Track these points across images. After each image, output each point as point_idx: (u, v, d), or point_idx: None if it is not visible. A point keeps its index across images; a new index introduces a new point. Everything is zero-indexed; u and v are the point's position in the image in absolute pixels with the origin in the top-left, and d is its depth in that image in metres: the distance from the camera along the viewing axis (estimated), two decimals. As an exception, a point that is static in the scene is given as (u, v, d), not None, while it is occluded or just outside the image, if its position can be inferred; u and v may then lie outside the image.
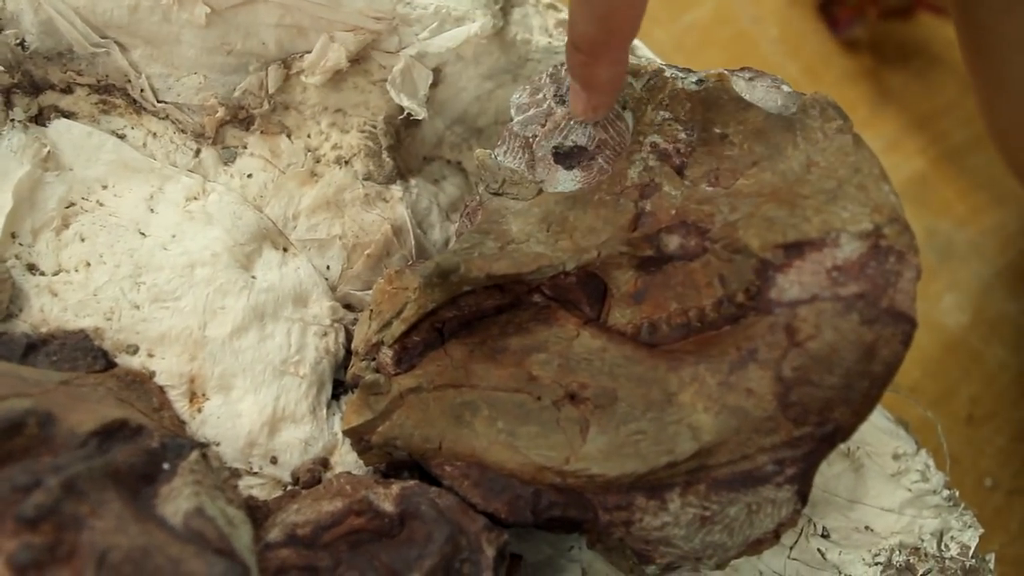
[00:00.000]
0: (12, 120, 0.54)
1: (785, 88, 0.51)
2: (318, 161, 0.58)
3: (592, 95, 0.50)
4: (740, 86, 0.51)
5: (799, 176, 0.48)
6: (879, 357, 0.44)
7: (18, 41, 0.53)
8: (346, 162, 0.58)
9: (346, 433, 0.51)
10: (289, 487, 0.52)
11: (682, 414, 0.46)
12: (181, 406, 0.51)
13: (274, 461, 0.52)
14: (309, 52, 0.56)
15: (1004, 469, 0.76)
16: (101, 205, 0.54)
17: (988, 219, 0.88)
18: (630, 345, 0.49)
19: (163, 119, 0.57)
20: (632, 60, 0.52)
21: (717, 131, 0.50)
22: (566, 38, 0.50)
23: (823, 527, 0.57)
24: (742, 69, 0.52)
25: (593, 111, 0.51)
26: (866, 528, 0.57)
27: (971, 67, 0.69)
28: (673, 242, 0.49)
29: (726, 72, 0.52)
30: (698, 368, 0.47)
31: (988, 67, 0.67)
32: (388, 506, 0.47)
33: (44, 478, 0.40)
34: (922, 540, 0.57)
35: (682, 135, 0.51)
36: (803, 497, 0.47)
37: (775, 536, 0.48)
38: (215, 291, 0.53)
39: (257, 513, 0.48)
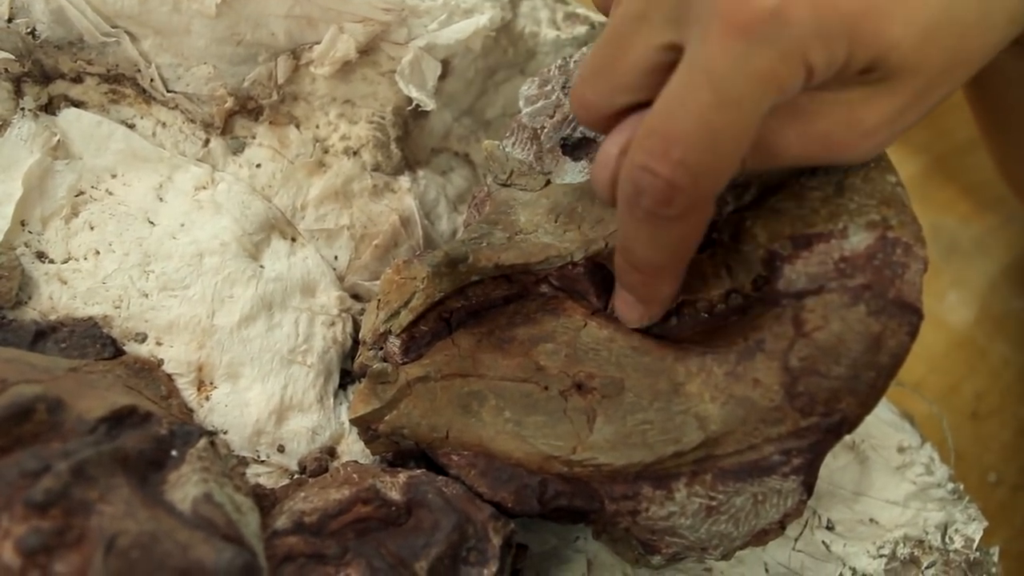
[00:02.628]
0: (22, 109, 0.54)
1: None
2: (326, 152, 0.58)
3: (650, 307, 0.47)
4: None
5: (806, 168, 0.48)
6: (886, 348, 0.44)
7: (29, 30, 0.53)
8: (354, 153, 0.59)
9: (353, 422, 0.51)
10: (296, 476, 0.52)
11: (689, 404, 0.46)
12: (189, 394, 0.52)
13: (281, 450, 0.52)
14: (318, 43, 0.57)
15: (1009, 465, 0.76)
16: (110, 194, 0.54)
17: (993, 216, 0.88)
18: (637, 336, 0.49)
19: (172, 109, 0.57)
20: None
21: (725, 123, 0.50)
22: (616, 256, 0.46)
23: (828, 519, 0.57)
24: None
25: (649, 319, 0.48)
26: (871, 520, 0.57)
27: (984, 122, 0.70)
28: (680, 233, 0.49)
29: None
30: (705, 358, 0.47)
31: (1003, 122, 0.67)
32: (395, 494, 0.47)
33: (53, 463, 0.40)
34: (926, 533, 0.57)
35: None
36: (809, 488, 0.47)
37: (780, 527, 0.48)
38: (223, 280, 0.53)
39: (264, 501, 0.48)
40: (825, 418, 0.45)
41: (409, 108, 0.59)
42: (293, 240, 0.57)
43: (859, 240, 0.45)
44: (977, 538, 0.57)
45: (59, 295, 0.51)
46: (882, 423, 0.61)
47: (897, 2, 0.38)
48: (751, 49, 0.36)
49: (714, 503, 0.47)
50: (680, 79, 0.38)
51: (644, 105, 0.42)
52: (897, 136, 0.43)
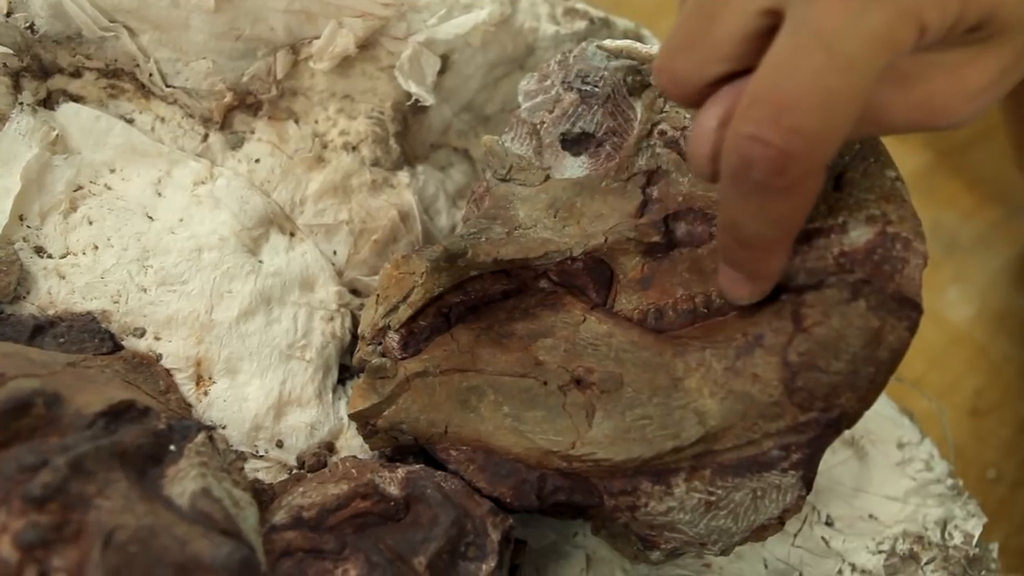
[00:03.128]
0: (21, 103, 0.54)
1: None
2: (325, 147, 0.58)
3: (760, 283, 0.45)
4: (747, 74, 0.51)
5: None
6: (885, 343, 0.44)
7: (27, 24, 0.53)
8: (353, 148, 0.59)
9: (352, 417, 0.51)
10: (295, 471, 0.52)
11: (688, 399, 0.46)
12: (187, 389, 0.52)
13: (280, 445, 0.52)
14: (317, 38, 0.57)
15: (1008, 461, 0.76)
16: (109, 189, 0.54)
17: (994, 212, 0.88)
18: (636, 330, 0.49)
19: (171, 104, 0.57)
20: (641, 48, 0.52)
21: (724, 118, 0.50)
22: (720, 234, 0.44)
23: (827, 515, 0.57)
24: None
25: (760, 295, 0.46)
26: (870, 516, 0.57)
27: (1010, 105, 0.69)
28: (680, 228, 0.49)
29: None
30: (704, 353, 0.47)
31: None
32: (394, 489, 0.47)
33: (51, 458, 0.40)
34: (926, 528, 0.57)
35: (689, 122, 0.51)
36: (808, 483, 0.47)
37: (780, 522, 0.48)
38: (222, 275, 0.53)
39: (263, 496, 0.48)
40: (824, 413, 0.45)
41: (408, 103, 0.59)
42: (292, 235, 0.57)
43: (858, 235, 0.45)
44: (976, 534, 0.57)
45: (57, 290, 0.51)
46: (882, 419, 0.61)
47: None
48: (866, 7, 0.35)
49: (713, 498, 0.47)
50: (787, 42, 0.37)
51: (736, 76, 0.40)
52: (997, 99, 0.41)
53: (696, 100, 0.41)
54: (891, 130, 0.42)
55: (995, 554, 0.57)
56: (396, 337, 0.50)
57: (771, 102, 0.37)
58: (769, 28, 0.38)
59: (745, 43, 0.39)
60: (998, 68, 0.40)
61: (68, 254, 0.52)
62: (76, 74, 0.56)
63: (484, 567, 0.46)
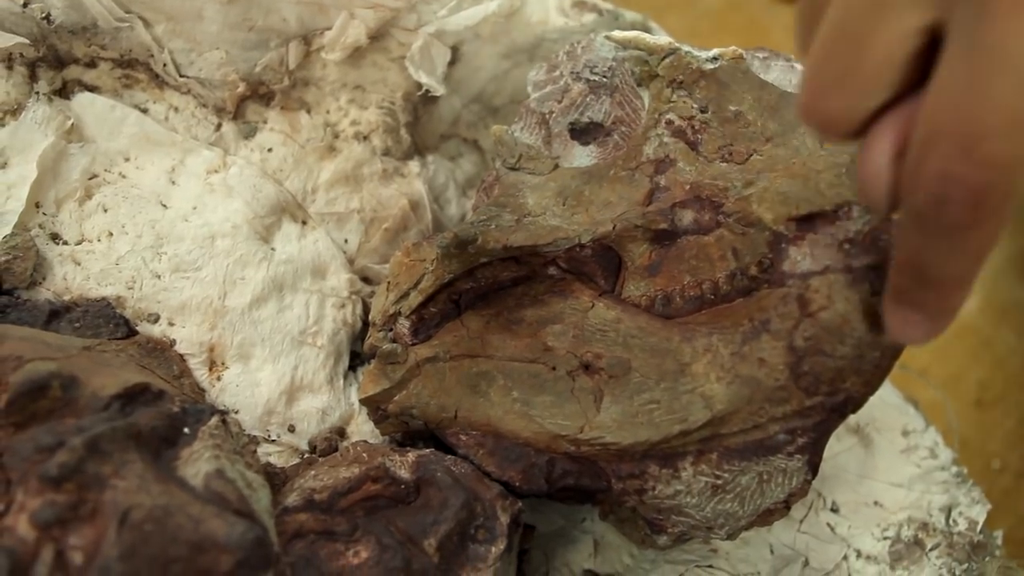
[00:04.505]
0: (37, 93, 0.54)
1: (799, 67, 0.52)
2: (337, 136, 0.59)
3: (944, 321, 0.40)
4: (755, 65, 0.52)
5: (812, 151, 0.48)
6: (890, 328, 0.45)
7: (44, 15, 0.54)
8: (364, 138, 0.59)
9: (363, 402, 0.52)
10: (306, 455, 0.52)
11: (695, 384, 0.47)
12: (201, 374, 0.52)
13: (292, 429, 0.53)
14: (329, 29, 0.57)
15: (1012, 452, 0.76)
16: (123, 177, 0.55)
17: (999, 206, 0.88)
18: (644, 316, 0.49)
19: (185, 94, 0.57)
20: (649, 39, 0.53)
21: (732, 108, 0.51)
22: (899, 276, 0.40)
23: (833, 501, 0.57)
24: (757, 48, 0.53)
25: (939, 334, 0.41)
26: (875, 503, 0.58)
27: None
28: (687, 216, 0.50)
29: (741, 51, 0.52)
30: (711, 339, 0.47)
31: None
32: (404, 473, 0.47)
33: (68, 439, 0.40)
34: (930, 515, 0.57)
35: (697, 112, 0.51)
36: (814, 467, 0.47)
37: (785, 506, 0.48)
38: (235, 262, 0.54)
39: (275, 479, 0.48)
40: (830, 397, 0.46)
41: (419, 94, 0.59)
42: (304, 223, 0.57)
43: (864, 221, 0.45)
44: (981, 520, 0.57)
45: (73, 276, 0.52)
46: (887, 407, 0.61)
47: None
48: None
49: (720, 481, 0.47)
50: (963, 64, 0.33)
51: (894, 102, 0.36)
52: None
53: (855, 136, 0.38)
54: None
55: (999, 541, 0.57)
56: (407, 323, 0.51)
57: (959, 134, 0.33)
58: (929, 46, 0.35)
59: (906, 67, 0.35)
60: None
61: (83, 241, 0.53)
62: (91, 64, 0.56)
63: (493, 549, 0.46)
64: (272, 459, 0.52)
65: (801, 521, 0.57)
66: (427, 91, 0.58)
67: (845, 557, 0.56)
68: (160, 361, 0.51)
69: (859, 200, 0.45)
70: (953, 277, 0.38)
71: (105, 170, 0.55)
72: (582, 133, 0.53)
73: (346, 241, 0.58)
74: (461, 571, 0.46)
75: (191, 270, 0.53)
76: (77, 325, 0.51)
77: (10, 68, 0.54)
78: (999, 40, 0.31)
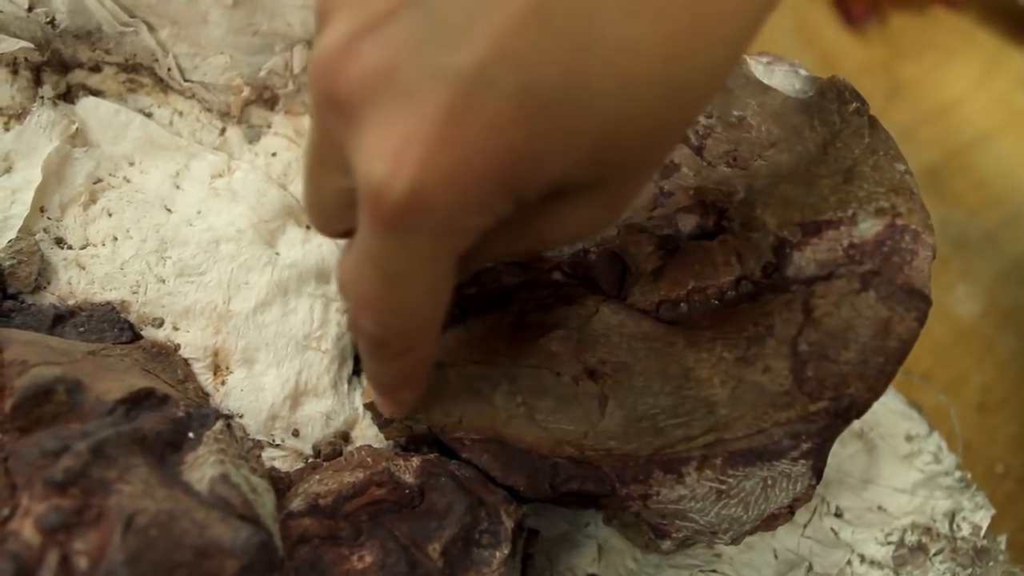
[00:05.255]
0: (41, 97, 0.54)
1: (803, 72, 0.52)
2: (341, 141, 0.59)
3: (397, 408, 0.50)
4: (759, 70, 0.52)
5: (816, 156, 0.48)
6: (894, 333, 0.45)
7: (48, 19, 0.54)
8: (368, 142, 0.59)
9: (367, 407, 0.52)
10: (311, 460, 0.52)
11: (699, 389, 0.47)
12: (205, 379, 0.52)
13: (296, 434, 0.53)
14: (333, 33, 0.57)
15: (1016, 456, 0.76)
16: (128, 181, 0.55)
17: (1001, 210, 0.88)
18: (648, 322, 0.49)
19: (189, 98, 0.58)
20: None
21: (735, 113, 0.51)
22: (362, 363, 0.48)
23: (836, 506, 0.57)
24: (760, 54, 0.53)
25: (396, 415, 0.51)
26: (879, 508, 0.58)
27: None
28: (691, 221, 0.50)
29: (744, 56, 0.52)
30: (715, 344, 0.47)
31: None
32: (409, 478, 0.47)
33: (72, 443, 0.40)
34: (934, 520, 0.57)
35: (701, 117, 0.51)
36: (818, 472, 0.47)
37: (790, 511, 0.48)
38: (239, 266, 0.54)
39: (279, 484, 0.48)
40: (834, 403, 0.46)
41: (423, 98, 0.59)
42: (308, 228, 0.57)
43: (868, 227, 0.45)
44: (984, 525, 0.57)
45: (77, 280, 0.52)
46: (890, 412, 0.61)
47: (546, 137, 0.32)
48: (402, 238, 0.34)
49: (724, 487, 0.47)
50: (355, 250, 0.37)
51: None
52: (617, 215, 0.40)
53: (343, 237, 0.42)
54: (511, 258, 0.48)
55: (1003, 546, 0.57)
56: (411, 328, 0.51)
57: (354, 297, 0.39)
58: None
59: (346, 210, 0.38)
60: (600, 206, 0.38)
61: (88, 245, 0.53)
62: (96, 68, 0.56)
63: (498, 554, 0.46)
64: (276, 464, 0.52)
65: (805, 526, 0.57)
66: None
67: (849, 562, 0.56)
68: (164, 365, 0.51)
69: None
70: (386, 384, 0.46)
71: (110, 174, 0.55)
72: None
73: (350, 246, 0.58)
74: (465, 576, 0.46)
75: (196, 274, 0.53)
76: (82, 330, 0.51)
77: (15, 72, 0.54)
78: (368, 246, 0.36)
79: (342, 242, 0.56)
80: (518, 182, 0.34)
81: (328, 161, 0.37)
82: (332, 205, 0.39)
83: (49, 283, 0.52)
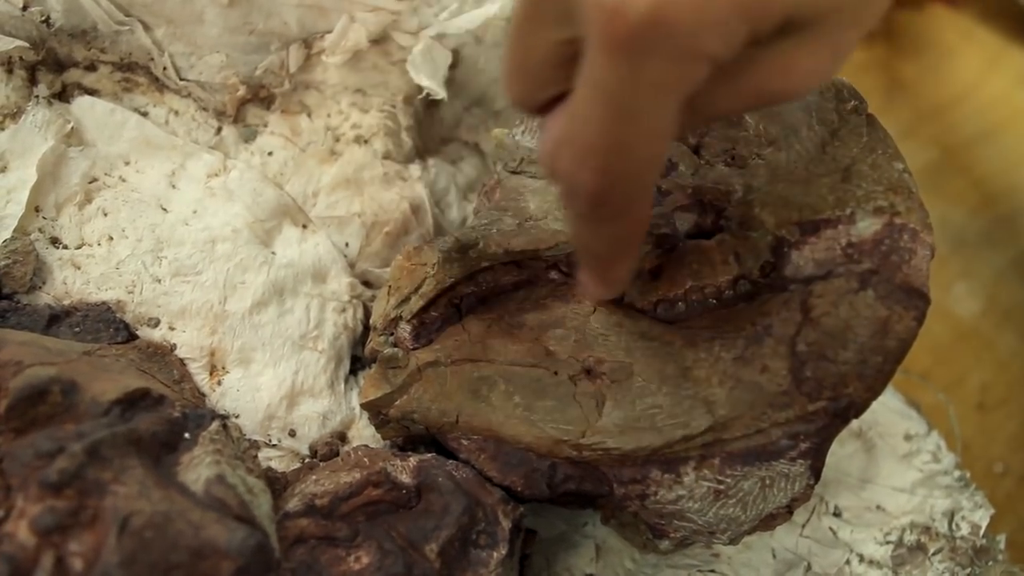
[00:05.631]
0: (36, 96, 0.54)
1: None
2: (338, 140, 0.59)
3: (608, 287, 0.47)
4: (756, 68, 0.52)
5: (814, 155, 0.48)
6: (893, 333, 0.44)
7: (43, 18, 0.54)
8: (365, 141, 0.59)
9: (364, 407, 0.51)
10: (307, 460, 0.52)
11: (697, 389, 0.47)
12: (201, 379, 0.52)
13: (292, 434, 0.53)
14: (330, 32, 0.57)
15: (1015, 455, 0.76)
16: (123, 181, 0.55)
17: (1001, 208, 0.88)
18: (646, 321, 0.49)
19: (185, 97, 0.57)
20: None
21: (733, 112, 0.51)
22: (572, 238, 0.44)
23: (835, 506, 0.57)
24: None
25: (606, 296, 0.49)
26: (877, 507, 0.57)
27: None
28: (689, 220, 0.49)
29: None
30: (713, 344, 0.47)
31: None
32: (405, 478, 0.47)
33: (68, 445, 0.40)
34: (933, 520, 0.57)
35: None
36: (816, 472, 0.47)
37: (788, 511, 0.48)
38: (235, 266, 0.54)
39: (276, 484, 0.48)
40: (832, 402, 0.45)
41: (420, 97, 0.59)
42: (304, 227, 0.57)
43: (866, 226, 0.45)
44: (984, 525, 0.57)
45: (73, 280, 0.52)
46: (889, 411, 0.61)
47: None
48: (637, 63, 0.33)
49: (722, 487, 0.47)
50: (580, 92, 0.36)
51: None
52: (840, 67, 0.39)
53: (542, 115, 0.41)
54: (728, 115, 0.45)
55: (1002, 545, 0.57)
56: (408, 328, 0.51)
57: (576, 146, 0.37)
58: (578, 53, 0.37)
59: (559, 69, 0.38)
60: (827, 49, 0.37)
61: (83, 245, 0.53)
62: (91, 68, 0.56)
63: (495, 555, 0.46)
64: (273, 464, 0.51)
65: (803, 526, 0.57)
66: (428, 94, 0.58)
67: (848, 562, 0.56)
68: (160, 366, 0.51)
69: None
70: (599, 255, 0.43)
71: (105, 174, 0.55)
72: (584, 136, 0.53)
73: (347, 245, 0.58)
74: (462, 576, 0.46)
75: (191, 274, 0.53)
76: (77, 330, 0.50)
77: (10, 72, 0.54)
78: (598, 78, 0.35)
79: (340, 244, 0.56)
80: (755, 6, 0.33)
81: (543, 14, 0.37)
82: (543, 65, 0.38)
83: (44, 283, 0.51)
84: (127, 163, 0.55)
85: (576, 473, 0.49)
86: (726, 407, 0.46)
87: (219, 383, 0.52)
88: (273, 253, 0.55)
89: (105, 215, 0.53)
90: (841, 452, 0.59)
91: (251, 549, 0.40)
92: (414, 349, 0.51)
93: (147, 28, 0.56)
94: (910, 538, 0.56)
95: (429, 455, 0.49)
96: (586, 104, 0.36)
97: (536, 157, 0.53)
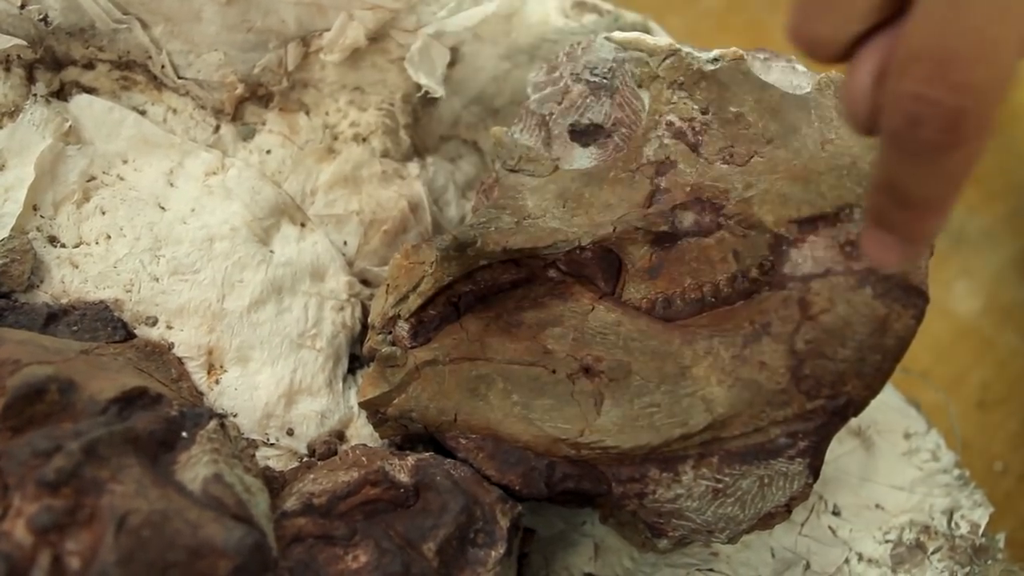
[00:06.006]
0: (34, 95, 0.54)
1: (800, 68, 0.51)
2: (336, 138, 0.59)
3: (916, 246, 0.40)
4: (756, 66, 0.52)
5: (813, 153, 0.48)
6: (892, 331, 0.44)
7: (41, 16, 0.54)
8: (364, 139, 0.59)
9: (362, 405, 0.51)
10: (305, 459, 0.52)
11: (696, 387, 0.47)
12: (199, 377, 0.52)
13: (290, 433, 0.53)
14: (328, 30, 0.57)
15: (1015, 454, 0.76)
16: (121, 179, 0.55)
17: (1001, 206, 0.88)
18: (645, 319, 0.49)
19: (183, 95, 0.57)
20: (649, 40, 0.53)
21: (732, 110, 0.50)
22: (874, 196, 0.40)
23: (834, 504, 0.57)
24: (758, 50, 0.53)
25: (910, 259, 0.45)
26: (876, 506, 0.57)
27: None
28: (688, 218, 0.49)
29: (742, 52, 0.52)
30: (712, 342, 0.47)
31: None
32: (403, 477, 0.47)
33: (65, 443, 0.40)
34: (932, 518, 0.57)
35: (697, 114, 0.51)
36: (815, 471, 0.47)
37: (787, 510, 0.48)
38: (233, 265, 0.53)
39: (274, 483, 0.48)
40: (831, 400, 0.45)
41: (418, 95, 0.59)
42: (303, 225, 0.57)
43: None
44: (983, 523, 0.57)
45: (71, 279, 0.52)
46: (888, 409, 0.61)
47: None
48: None
49: (720, 485, 0.47)
50: (916, 17, 0.34)
51: (879, 28, 0.37)
52: None
53: (840, 60, 0.38)
54: None
55: (1002, 544, 0.57)
56: (406, 326, 0.51)
57: (934, 58, 0.34)
58: None
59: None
60: None
61: (81, 243, 0.53)
62: (89, 66, 0.56)
63: (493, 553, 0.46)
64: (271, 463, 0.51)
65: (802, 524, 0.56)
66: (426, 92, 0.58)
67: (847, 560, 0.56)
68: (158, 364, 0.51)
69: (845, 121, 0.45)
70: (928, 200, 0.38)
71: (103, 172, 0.54)
72: (582, 135, 0.53)
73: (345, 243, 0.58)
74: (460, 575, 0.46)
75: (189, 273, 0.53)
76: (75, 328, 0.50)
77: (7, 70, 0.54)
78: None
79: (338, 242, 0.56)
80: None
81: None
82: None
83: (42, 282, 0.51)
84: (125, 161, 0.55)
85: (574, 472, 0.49)
86: (724, 405, 0.46)
87: (217, 382, 0.52)
88: (271, 251, 0.55)
89: (103, 213, 0.53)
90: (840, 450, 0.59)
91: (248, 548, 0.40)
92: (412, 348, 0.51)
93: (145, 26, 0.56)
94: (909, 537, 0.56)
95: (427, 454, 0.49)
96: (955, 3, 0.33)
97: (533, 155, 0.52)
